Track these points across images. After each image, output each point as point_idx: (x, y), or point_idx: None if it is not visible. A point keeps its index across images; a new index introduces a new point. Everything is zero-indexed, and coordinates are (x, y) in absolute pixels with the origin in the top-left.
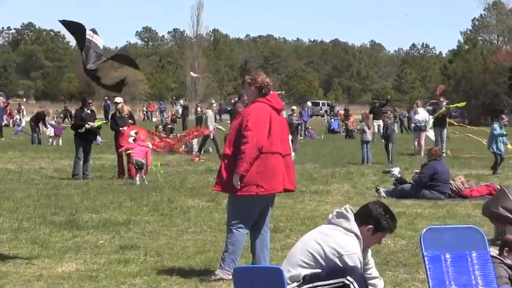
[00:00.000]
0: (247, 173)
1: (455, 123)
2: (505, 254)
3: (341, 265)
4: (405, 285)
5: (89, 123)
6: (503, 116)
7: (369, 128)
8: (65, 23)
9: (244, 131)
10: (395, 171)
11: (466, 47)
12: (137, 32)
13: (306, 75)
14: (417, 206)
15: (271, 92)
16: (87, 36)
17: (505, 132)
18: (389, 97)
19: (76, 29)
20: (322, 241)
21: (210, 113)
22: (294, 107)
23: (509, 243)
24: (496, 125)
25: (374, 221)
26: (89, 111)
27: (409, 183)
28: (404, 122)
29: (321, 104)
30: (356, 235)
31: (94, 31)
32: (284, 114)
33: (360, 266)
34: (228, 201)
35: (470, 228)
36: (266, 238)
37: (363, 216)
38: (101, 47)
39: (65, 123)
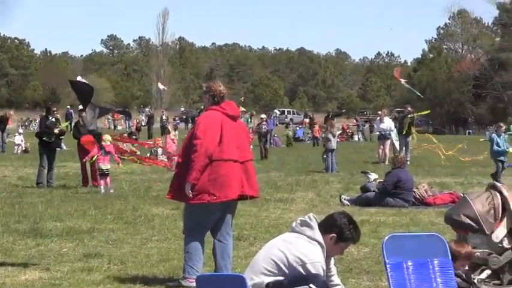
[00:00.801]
0: (198, 181)
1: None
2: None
3: (304, 273)
4: None
5: (58, 128)
6: (501, 124)
7: (334, 137)
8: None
9: (194, 139)
10: (372, 176)
11: (431, 55)
12: (102, 40)
13: (271, 84)
14: (381, 214)
15: (226, 99)
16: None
17: (506, 147)
18: (343, 110)
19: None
20: (286, 249)
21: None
22: (264, 116)
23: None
24: (493, 136)
25: (338, 231)
26: (53, 119)
27: (373, 191)
28: (364, 130)
29: (286, 112)
30: (319, 243)
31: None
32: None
33: (322, 274)
34: (183, 210)
35: (432, 235)
36: (227, 246)
37: (327, 225)
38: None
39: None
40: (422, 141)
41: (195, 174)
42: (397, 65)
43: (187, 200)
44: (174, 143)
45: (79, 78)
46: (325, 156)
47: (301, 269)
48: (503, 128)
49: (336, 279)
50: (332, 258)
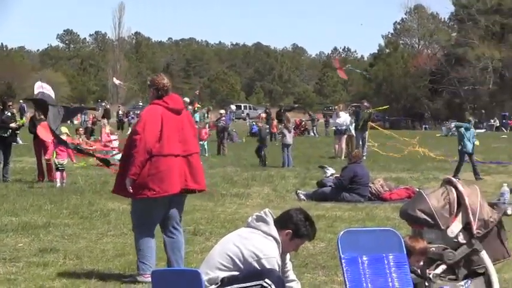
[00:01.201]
0: (138, 176)
1: (376, 127)
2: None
3: (259, 268)
4: (324, 287)
5: (16, 122)
6: (470, 118)
7: (289, 132)
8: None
9: (133, 134)
10: (329, 171)
11: (387, 50)
12: (58, 34)
13: (228, 79)
14: (337, 209)
15: (170, 92)
16: (40, 90)
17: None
18: (296, 105)
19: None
20: (241, 244)
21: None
22: (222, 111)
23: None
24: (462, 130)
25: (293, 227)
26: (9, 114)
27: (329, 186)
28: (318, 125)
29: (242, 107)
30: (275, 239)
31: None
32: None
33: (278, 270)
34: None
35: (387, 230)
36: (177, 240)
37: (283, 221)
38: (52, 94)
39: None
40: (387, 138)
41: (134, 170)
42: (354, 61)
43: (129, 195)
44: (108, 137)
45: (38, 83)
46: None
47: (256, 264)
48: (472, 122)
49: (291, 274)
50: (288, 254)
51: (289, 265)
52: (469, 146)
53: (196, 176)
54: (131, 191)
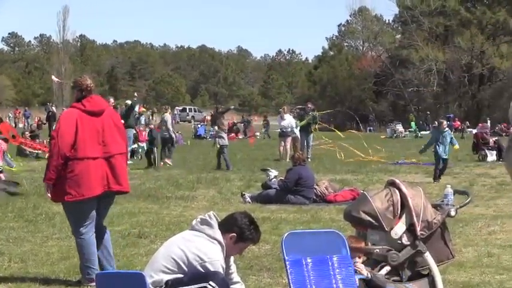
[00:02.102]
0: (54, 181)
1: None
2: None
3: (203, 271)
4: None
5: None
6: (442, 120)
7: (225, 133)
8: None
9: (50, 139)
10: (272, 173)
11: (332, 52)
12: (3, 37)
13: (173, 81)
14: (282, 211)
15: (93, 94)
16: None
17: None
18: (232, 106)
19: None
20: (185, 247)
21: (167, 116)
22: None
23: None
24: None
25: (238, 231)
26: None
27: (274, 188)
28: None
29: (187, 110)
30: (219, 242)
31: None
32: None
33: (222, 273)
34: None
35: (331, 232)
36: (103, 239)
37: (228, 225)
38: None
39: None
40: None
41: (49, 175)
42: (299, 63)
43: (55, 199)
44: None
45: None
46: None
47: (200, 267)
48: (445, 124)
49: (235, 276)
50: (232, 257)
51: (233, 267)
52: (441, 150)
53: (118, 177)
54: (49, 195)
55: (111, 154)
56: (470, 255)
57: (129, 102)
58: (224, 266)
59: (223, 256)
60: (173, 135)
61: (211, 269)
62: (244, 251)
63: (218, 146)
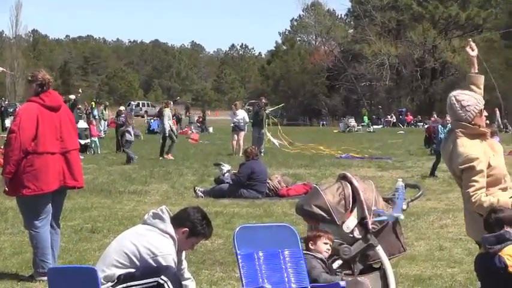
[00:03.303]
0: (13, 174)
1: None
2: (312, 247)
3: (155, 265)
4: (221, 283)
5: None
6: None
7: (133, 128)
8: None
9: (9, 133)
10: (225, 167)
11: (284, 47)
12: None
13: (126, 76)
14: (235, 205)
15: (51, 89)
16: None
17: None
18: (178, 98)
19: None
20: (137, 241)
21: (167, 111)
22: (122, 108)
23: (310, 238)
24: (440, 127)
25: (190, 225)
26: None
27: (227, 182)
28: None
29: (140, 104)
30: (171, 236)
31: None
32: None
33: (174, 267)
34: None
35: (282, 226)
36: (52, 238)
37: (180, 219)
38: None
39: None
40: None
41: (8, 168)
42: (252, 58)
43: (9, 193)
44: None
45: None
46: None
47: (152, 262)
48: (448, 119)
49: (186, 272)
50: (183, 252)
51: (184, 263)
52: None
53: (74, 172)
54: (7, 189)
55: (67, 149)
56: (422, 248)
57: (72, 97)
58: (176, 261)
59: (175, 250)
60: (173, 130)
61: (163, 263)
62: (196, 246)
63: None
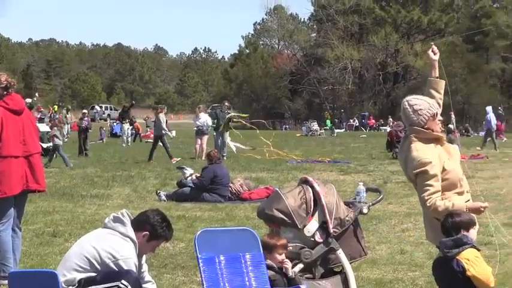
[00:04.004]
0: None
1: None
2: (267, 256)
3: (116, 269)
4: (183, 287)
5: None
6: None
7: (61, 135)
8: None
9: None
10: (188, 171)
11: (247, 51)
12: None
13: (88, 79)
14: (197, 209)
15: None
16: None
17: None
18: (133, 102)
19: None
20: (98, 245)
21: (161, 116)
22: (85, 111)
23: (265, 245)
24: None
25: (150, 228)
26: None
27: (190, 186)
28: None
29: (103, 108)
30: (132, 240)
31: None
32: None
33: (135, 271)
34: None
35: (244, 230)
36: (13, 242)
37: (140, 223)
38: None
39: None
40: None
41: None
42: (215, 61)
43: None
44: None
45: None
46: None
47: (113, 265)
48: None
49: (147, 275)
50: (144, 256)
51: (144, 267)
52: None
53: (37, 176)
54: None
55: (30, 153)
56: (383, 252)
57: (29, 100)
58: (137, 264)
59: (136, 254)
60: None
61: (125, 267)
62: (157, 249)
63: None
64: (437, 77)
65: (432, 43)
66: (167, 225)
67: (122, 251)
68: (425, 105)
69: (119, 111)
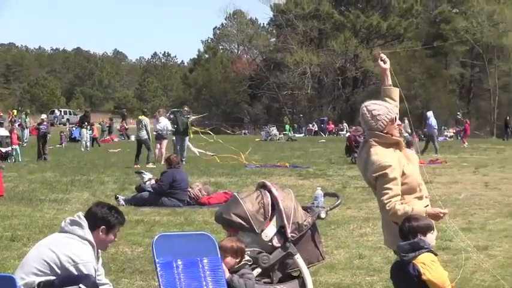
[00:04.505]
0: None
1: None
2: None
3: (76, 273)
4: None
5: None
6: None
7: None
8: None
9: None
10: (146, 176)
11: (207, 55)
12: None
13: (48, 84)
14: (156, 214)
15: None
16: None
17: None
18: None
19: None
20: (57, 249)
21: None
22: (44, 116)
23: (223, 249)
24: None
25: (103, 222)
26: None
27: (148, 191)
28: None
29: (62, 112)
30: (90, 242)
31: None
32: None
33: (94, 275)
34: None
35: (201, 234)
36: None
37: (92, 221)
38: None
39: None
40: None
41: None
42: (174, 66)
43: None
44: None
45: None
46: None
47: (73, 269)
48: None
49: (103, 278)
50: (100, 259)
51: (101, 270)
52: None
53: None
54: None
55: None
56: (341, 257)
57: None
58: (96, 268)
59: (94, 256)
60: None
61: (84, 271)
62: (117, 254)
63: None
64: (390, 85)
65: (380, 52)
66: (116, 211)
67: (82, 255)
68: (384, 110)
69: (79, 115)
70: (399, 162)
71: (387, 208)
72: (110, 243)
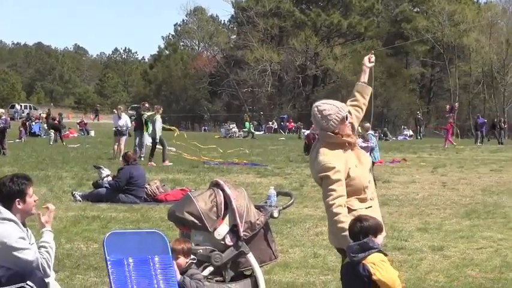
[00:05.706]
0: None
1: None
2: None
3: (13, 260)
4: None
5: None
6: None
7: None
8: None
9: None
10: (104, 172)
11: (167, 52)
12: None
13: (8, 78)
14: (112, 210)
15: None
16: None
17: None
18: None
19: None
20: None
21: (158, 117)
22: (2, 110)
23: (175, 251)
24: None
25: (13, 194)
26: None
27: (105, 187)
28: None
29: (22, 107)
30: (10, 219)
31: None
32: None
33: (35, 256)
34: None
35: (152, 232)
36: None
37: (4, 198)
38: None
39: None
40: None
41: None
42: (135, 62)
43: None
44: None
45: None
46: None
47: (5, 252)
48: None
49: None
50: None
51: (32, 239)
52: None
53: None
54: None
55: None
56: (296, 255)
57: None
58: (28, 236)
59: (20, 229)
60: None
61: (18, 247)
62: (72, 250)
63: None
64: (365, 82)
65: (373, 51)
66: (15, 176)
67: (10, 235)
68: (334, 109)
69: (39, 111)
70: (346, 163)
71: (330, 209)
72: (34, 206)
